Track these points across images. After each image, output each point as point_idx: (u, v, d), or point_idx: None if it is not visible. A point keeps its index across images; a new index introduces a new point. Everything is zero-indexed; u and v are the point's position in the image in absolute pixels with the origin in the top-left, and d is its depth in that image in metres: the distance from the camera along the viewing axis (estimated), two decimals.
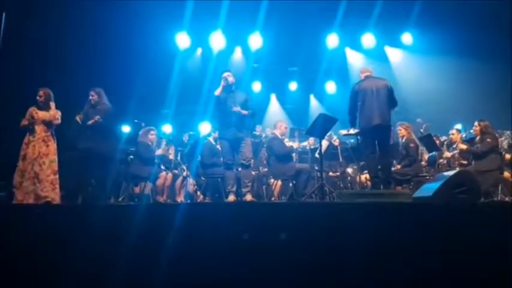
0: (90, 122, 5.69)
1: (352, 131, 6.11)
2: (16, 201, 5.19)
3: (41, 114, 5.45)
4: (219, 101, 5.66)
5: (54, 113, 5.50)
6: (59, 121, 5.53)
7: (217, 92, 5.66)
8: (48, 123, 5.46)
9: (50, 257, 3.15)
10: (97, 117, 5.68)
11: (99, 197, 5.73)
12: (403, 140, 6.73)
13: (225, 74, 5.73)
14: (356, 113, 5.59)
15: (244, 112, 5.64)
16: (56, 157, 5.45)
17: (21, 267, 3.12)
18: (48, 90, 5.57)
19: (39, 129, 5.41)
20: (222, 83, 5.66)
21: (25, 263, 3.13)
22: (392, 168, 6.62)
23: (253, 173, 7.57)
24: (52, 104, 5.55)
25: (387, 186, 5.60)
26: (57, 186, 5.38)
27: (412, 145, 6.61)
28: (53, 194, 5.30)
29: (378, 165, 5.56)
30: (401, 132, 6.76)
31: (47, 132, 5.46)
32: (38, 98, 5.50)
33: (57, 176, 5.40)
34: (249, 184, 5.75)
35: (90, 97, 5.85)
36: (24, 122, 5.45)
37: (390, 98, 5.56)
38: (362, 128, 5.53)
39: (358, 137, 6.23)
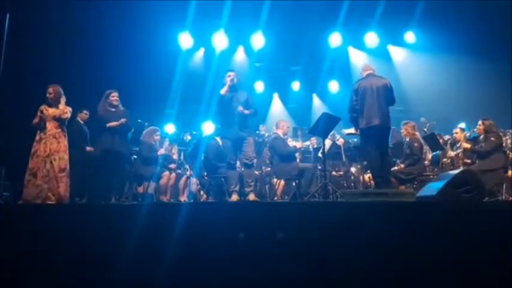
0: (114, 124, 5.77)
1: (354, 131, 6.10)
2: (23, 200, 5.15)
3: (51, 111, 5.40)
4: (224, 100, 5.65)
5: (63, 108, 5.45)
6: (68, 115, 5.50)
7: (223, 91, 5.61)
8: (58, 120, 5.41)
9: (54, 257, 3.16)
10: (123, 120, 5.80)
11: (106, 197, 5.74)
12: (407, 139, 6.72)
13: (232, 74, 5.70)
14: (356, 112, 5.55)
15: (247, 112, 5.63)
16: (65, 155, 5.40)
17: (25, 267, 3.13)
18: (58, 87, 5.52)
19: (50, 126, 5.36)
20: (229, 82, 5.62)
21: (29, 263, 3.14)
22: (396, 168, 6.61)
23: (256, 172, 7.58)
24: (62, 100, 5.49)
25: (389, 186, 5.57)
26: (61, 184, 5.32)
27: (416, 144, 6.60)
28: (59, 192, 5.26)
29: (380, 164, 5.54)
30: (406, 131, 6.74)
31: (58, 128, 5.40)
32: (47, 95, 5.45)
33: (64, 174, 5.36)
34: (252, 184, 5.73)
35: (113, 98, 5.91)
36: (36, 120, 5.40)
37: (390, 97, 5.53)
38: (362, 128, 5.50)
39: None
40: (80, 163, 6.24)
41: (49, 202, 5.12)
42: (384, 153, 5.55)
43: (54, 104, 5.45)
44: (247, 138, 5.67)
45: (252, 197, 5.58)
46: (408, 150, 6.64)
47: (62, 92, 5.52)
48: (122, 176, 6.45)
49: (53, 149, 5.31)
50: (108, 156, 5.78)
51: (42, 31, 7.47)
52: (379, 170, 5.51)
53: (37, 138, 5.35)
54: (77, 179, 5.85)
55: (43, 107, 5.42)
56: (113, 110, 5.91)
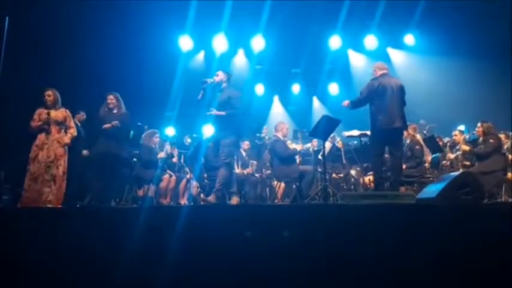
0: (106, 126, 5.71)
1: (355, 133, 6.10)
2: (22, 204, 5.09)
3: (54, 115, 5.31)
4: (203, 104, 5.60)
5: (63, 112, 5.41)
6: (74, 130, 5.49)
7: (199, 96, 5.61)
8: (60, 124, 5.35)
9: (53, 260, 3.16)
10: (114, 122, 5.70)
11: (106, 200, 5.73)
12: (408, 141, 6.71)
13: (216, 76, 5.67)
14: (366, 106, 5.38)
15: (219, 113, 5.45)
16: (66, 158, 5.39)
17: (25, 270, 3.13)
18: (56, 91, 5.46)
19: (53, 130, 5.27)
20: (203, 86, 5.60)
21: (29, 266, 3.15)
22: None
23: (256, 175, 7.61)
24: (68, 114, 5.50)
25: (397, 188, 5.51)
26: (63, 187, 5.32)
27: (418, 147, 6.60)
28: (59, 194, 5.24)
29: (383, 166, 5.51)
30: (407, 133, 6.71)
31: (60, 133, 5.33)
32: (47, 97, 5.34)
33: (65, 177, 5.34)
34: (220, 186, 5.46)
35: (109, 101, 5.87)
36: (38, 123, 5.25)
37: (403, 99, 5.42)
38: (380, 128, 5.30)
39: (361, 139, 6.21)
40: (78, 166, 6.23)
41: (49, 205, 5.12)
42: (399, 155, 5.45)
43: (53, 107, 5.36)
44: (223, 139, 5.46)
45: (211, 198, 5.43)
46: (409, 152, 6.64)
47: (59, 96, 5.48)
48: (120, 179, 6.44)
49: (58, 154, 5.23)
50: (101, 158, 5.74)
51: (42, 33, 7.48)
52: (382, 172, 5.49)
53: (37, 142, 5.21)
54: (76, 182, 5.86)
55: (43, 110, 5.31)
56: (114, 112, 5.88)
